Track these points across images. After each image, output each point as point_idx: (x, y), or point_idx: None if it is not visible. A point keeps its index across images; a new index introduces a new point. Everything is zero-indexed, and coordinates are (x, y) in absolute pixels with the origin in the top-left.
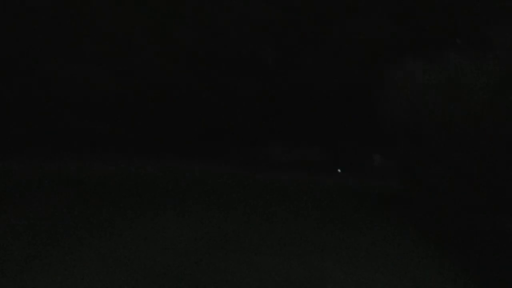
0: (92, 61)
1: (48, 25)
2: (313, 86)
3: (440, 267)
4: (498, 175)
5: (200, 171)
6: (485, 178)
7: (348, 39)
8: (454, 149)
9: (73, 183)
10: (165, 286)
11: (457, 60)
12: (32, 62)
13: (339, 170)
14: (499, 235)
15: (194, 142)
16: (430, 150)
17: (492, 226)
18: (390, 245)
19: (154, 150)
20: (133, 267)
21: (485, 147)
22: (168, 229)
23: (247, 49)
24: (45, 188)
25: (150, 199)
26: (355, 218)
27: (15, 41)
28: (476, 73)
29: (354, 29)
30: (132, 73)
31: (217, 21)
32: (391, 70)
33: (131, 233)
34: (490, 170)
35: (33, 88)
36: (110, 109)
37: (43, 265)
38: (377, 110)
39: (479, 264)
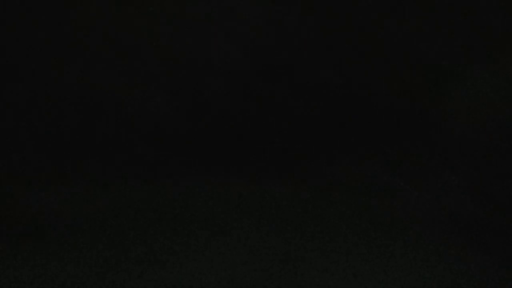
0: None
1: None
2: (378, 103)
3: None
4: None
5: (264, 193)
6: None
7: (411, 51)
8: None
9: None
10: None
11: None
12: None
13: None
14: None
15: (260, 163)
16: (497, 166)
17: None
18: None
19: (217, 173)
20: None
21: None
22: (233, 252)
23: (311, 72)
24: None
25: (216, 221)
26: (427, 247)
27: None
28: None
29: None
30: (194, 98)
31: (279, 45)
32: (451, 80)
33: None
34: None
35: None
36: (170, 135)
37: None
38: (438, 123)
39: None
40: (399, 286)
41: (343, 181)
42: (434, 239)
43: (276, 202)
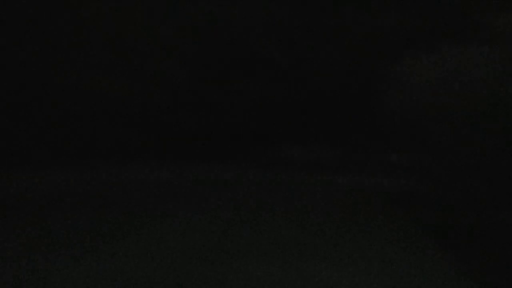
0: (99, 68)
1: (52, 33)
2: (323, 85)
3: (442, 266)
4: (501, 168)
5: (210, 172)
6: (488, 171)
7: (354, 35)
8: (458, 143)
9: (79, 190)
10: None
11: (458, 54)
12: (37, 70)
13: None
14: (505, 229)
15: (205, 144)
16: (434, 145)
17: (497, 221)
18: (394, 247)
19: (166, 154)
20: (128, 277)
21: (487, 140)
22: (175, 233)
23: (258, 49)
24: (49, 197)
25: (160, 203)
26: (361, 218)
27: (21, 49)
28: (476, 66)
29: (358, 25)
30: (140, 77)
31: (227, 22)
32: (392, 66)
33: (131, 241)
34: (493, 163)
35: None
36: (117, 114)
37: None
38: (380, 107)
39: (483, 261)
40: (341, 259)
41: (286, 161)
42: (372, 214)
43: (225, 183)
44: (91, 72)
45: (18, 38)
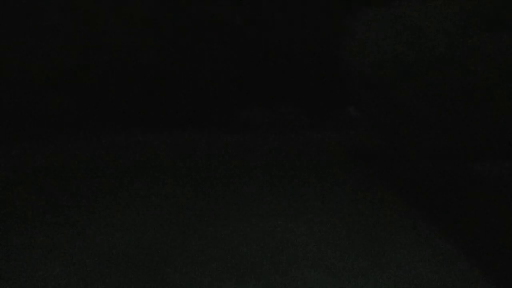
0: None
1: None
2: (281, 44)
3: (399, 216)
4: (461, 120)
5: (174, 138)
6: (448, 123)
7: None
8: (418, 96)
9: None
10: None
11: (416, 9)
12: None
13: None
14: (466, 180)
15: (166, 110)
16: (394, 100)
17: (458, 171)
18: (353, 200)
19: (125, 122)
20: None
21: (448, 93)
22: (143, 199)
23: (214, 11)
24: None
25: (122, 172)
26: (324, 176)
27: None
28: (436, 18)
29: None
30: (96, 45)
31: None
32: (351, 21)
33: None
34: (454, 115)
35: None
36: (77, 84)
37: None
38: (340, 63)
39: (446, 211)
40: (299, 213)
41: (254, 123)
42: (338, 170)
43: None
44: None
45: None
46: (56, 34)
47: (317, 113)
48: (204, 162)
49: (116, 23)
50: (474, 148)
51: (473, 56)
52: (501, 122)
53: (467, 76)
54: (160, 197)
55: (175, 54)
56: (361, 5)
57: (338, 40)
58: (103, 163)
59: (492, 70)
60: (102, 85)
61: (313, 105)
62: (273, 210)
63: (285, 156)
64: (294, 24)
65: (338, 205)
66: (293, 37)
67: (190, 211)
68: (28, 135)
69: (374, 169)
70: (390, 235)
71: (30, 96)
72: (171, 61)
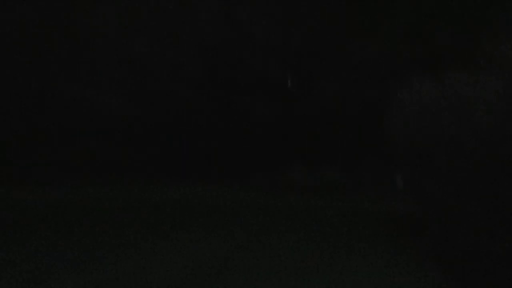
0: (106, 86)
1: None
2: (330, 107)
3: None
4: (506, 197)
5: (214, 195)
6: (492, 200)
7: (362, 61)
8: (464, 168)
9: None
10: None
11: (464, 81)
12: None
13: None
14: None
15: (212, 166)
16: (441, 171)
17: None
18: (394, 272)
19: (173, 175)
20: None
21: (495, 167)
22: (177, 253)
23: (265, 72)
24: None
25: (166, 223)
26: (362, 243)
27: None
28: (482, 94)
29: (367, 51)
30: (146, 98)
31: (235, 46)
32: (399, 91)
33: (128, 261)
34: (498, 192)
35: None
36: (124, 134)
37: None
38: (388, 132)
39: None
40: (338, 281)
41: (292, 185)
42: (383, 244)
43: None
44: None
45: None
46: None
47: (363, 179)
48: (244, 220)
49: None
50: None
51: None
52: None
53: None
54: (198, 250)
55: (223, 112)
56: (410, 74)
57: (386, 108)
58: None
59: None
60: (155, 137)
61: (360, 170)
62: (309, 280)
63: (327, 223)
64: (344, 89)
65: (378, 279)
66: (342, 102)
67: (230, 268)
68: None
69: (418, 244)
70: None
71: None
72: (218, 118)
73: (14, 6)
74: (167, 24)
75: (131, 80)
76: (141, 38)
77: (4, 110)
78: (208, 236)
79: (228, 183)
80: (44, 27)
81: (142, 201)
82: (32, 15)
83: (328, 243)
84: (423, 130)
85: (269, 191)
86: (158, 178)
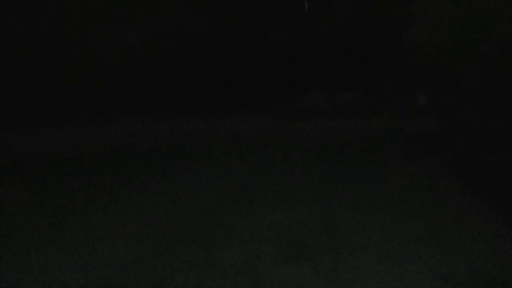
0: (122, 23)
1: None
2: (346, 29)
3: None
4: None
5: (235, 121)
6: None
7: None
8: (482, 80)
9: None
10: (178, 239)
11: None
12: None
13: (386, 114)
14: None
15: (230, 95)
16: (459, 85)
17: None
18: (416, 187)
19: (188, 107)
20: (138, 229)
21: None
22: (196, 180)
23: None
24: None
25: (183, 154)
26: (385, 162)
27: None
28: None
29: None
30: (161, 31)
31: None
32: (416, 7)
33: (143, 192)
34: None
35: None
36: (140, 70)
37: (57, 233)
38: (402, 48)
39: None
40: (366, 201)
41: (313, 110)
42: (400, 157)
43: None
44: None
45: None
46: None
47: (383, 100)
48: (265, 144)
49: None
50: None
51: None
52: None
53: None
54: (221, 174)
55: (239, 39)
56: None
57: (403, 26)
58: (165, 144)
59: None
60: (170, 69)
61: (379, 92)
62: (330, 194)
63: (346, 142)
64: (360, 10)
65: (399, 191)
66: (359, 23)
67: (244, 191)
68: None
69: (438, 157)
70: (456, 224)
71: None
72: (234, 46)
73: None
74: None
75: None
76: None
77: None
78: (229, 163)
79: (247, 112)
80: None
81: (164, 132)
82: None
83: (350, 161)
84: (441, 43)
85: (289, 116)
86: (181, 110)
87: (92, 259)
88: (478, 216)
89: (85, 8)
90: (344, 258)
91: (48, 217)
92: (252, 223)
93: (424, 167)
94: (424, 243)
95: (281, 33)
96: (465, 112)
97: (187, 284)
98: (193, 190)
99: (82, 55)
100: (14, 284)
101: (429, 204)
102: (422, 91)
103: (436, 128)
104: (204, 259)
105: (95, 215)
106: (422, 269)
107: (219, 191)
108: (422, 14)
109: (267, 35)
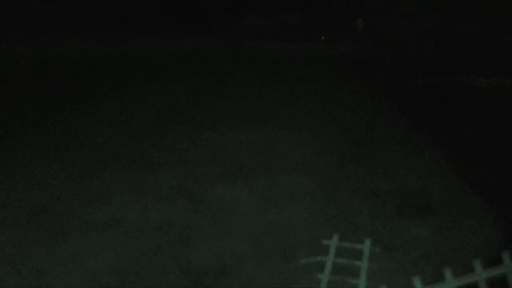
0: None
1: None
2: None
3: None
4: (464, 32)
5: (177, 45)
6: (449, 34)
7: None
8: (417, 3)
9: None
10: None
11: None
12: None
13: (322, 37)
14: (462, 91)
15: (173, 16)
16: (394, 9)
17: (455, 83)
18: (354, 116)
19: (133, 29)
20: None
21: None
22: (142, 102)
23: None
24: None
25: (130, 75)
26: (323, 86)
27: None
28: None
29: None
30: None
31: None
32: None
33: (97, 108)
34: (455, 25)
35: None
36: None
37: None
38: None
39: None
40: (304, 125)
41: (258, 32)
42: (338, 81)
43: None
44: None
45: None
46: None
47: (322, 23)
48: (204, 66)
49: None
50: (477, 63)
51: None
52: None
53: None
54: (159, 96)
55: None
56: None
57: None
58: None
59: None
60: None
61: (319, 15)
62: (266, 116)
63: (285, 65)
64: None
65: (336, 114)
66: None
67: (187, 114)
68: None
69: (373, 81)
70: (385, 145)
71: None
72: None
73: None
74: None
75: None
76: None
77: None
78: (167, 87)
79: (189, 34)
80: None
81: (110, 54)
82: None
83: (286, 85)
84: None
85: (232, 39)
86: (119, 32)
87: (28, 178)
88: (405, 137)
89: None
90: (278, 178)
91: None
92: (188, 145)
93: (359, 91)
94: (355, 163)
95: None
96: (400, 36)
97: (124, 204)
98: (129, 112)
99: None
100: None
101: (361, 126)
102: (359, 15)
103: (374, 53)
104: (140, 180)
105: (28, 135)
106: (352, 187)
107: (155, 113)
108: None
109: None
